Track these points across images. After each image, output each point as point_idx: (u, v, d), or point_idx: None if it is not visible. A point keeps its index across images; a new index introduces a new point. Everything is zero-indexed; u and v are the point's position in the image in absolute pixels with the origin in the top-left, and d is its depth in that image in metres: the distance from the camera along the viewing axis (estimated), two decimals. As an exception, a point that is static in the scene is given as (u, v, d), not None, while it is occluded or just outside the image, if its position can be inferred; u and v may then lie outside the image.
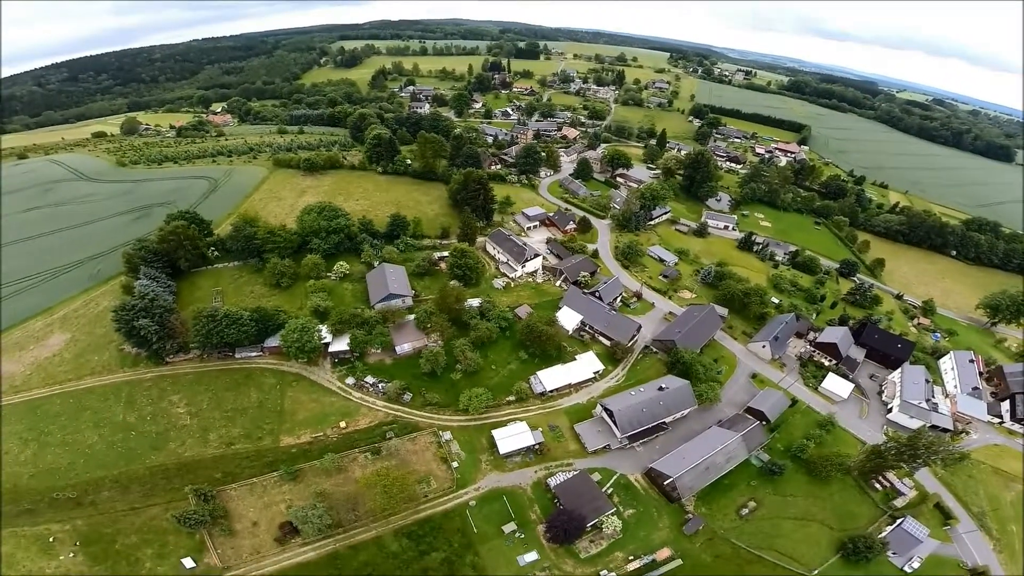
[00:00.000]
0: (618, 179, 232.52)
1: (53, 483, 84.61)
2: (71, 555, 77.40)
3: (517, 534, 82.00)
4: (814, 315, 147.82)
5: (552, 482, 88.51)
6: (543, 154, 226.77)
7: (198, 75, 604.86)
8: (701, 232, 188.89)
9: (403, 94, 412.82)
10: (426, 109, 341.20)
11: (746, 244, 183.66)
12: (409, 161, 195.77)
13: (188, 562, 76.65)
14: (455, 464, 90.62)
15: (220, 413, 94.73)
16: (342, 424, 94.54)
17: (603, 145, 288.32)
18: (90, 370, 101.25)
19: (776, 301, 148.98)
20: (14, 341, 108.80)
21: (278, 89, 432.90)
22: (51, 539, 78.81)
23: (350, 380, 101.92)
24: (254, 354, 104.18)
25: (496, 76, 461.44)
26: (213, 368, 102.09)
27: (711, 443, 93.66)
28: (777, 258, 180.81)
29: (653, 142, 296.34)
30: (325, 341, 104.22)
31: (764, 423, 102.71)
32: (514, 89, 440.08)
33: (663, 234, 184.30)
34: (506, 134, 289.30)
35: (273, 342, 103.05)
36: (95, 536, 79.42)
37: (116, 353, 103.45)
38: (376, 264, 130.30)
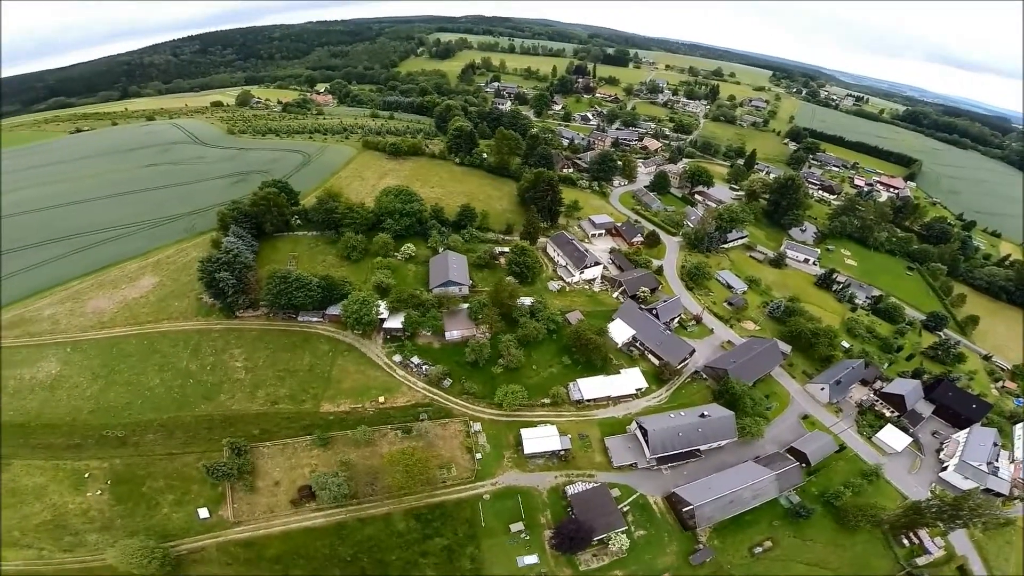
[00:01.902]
0: (696, 196, 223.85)
1: (107, 420, 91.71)
2: (98, 492, 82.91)
3: (523, 535, 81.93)
4: (886, 364, 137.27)
5: (570, 490, 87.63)
6: (619, 162, 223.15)
7: (308, 56, 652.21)
8: (777, 262, 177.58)
9: (488, 89, 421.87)
10: (507, 106, 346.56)
11: (825, 282, 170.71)
12: (485, 155, 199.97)
13: (203, 512, 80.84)
14: (478, 455, 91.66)
15: (273, 372, 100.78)
16: (381, 399, 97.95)
17: (685, 160, 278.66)
18: (168, 314, 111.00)
19: (847, 345, 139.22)
20: (110, 279, 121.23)
21: (376, 75, 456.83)
22: (87, 475, 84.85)
23: (397, 358, 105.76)
24: (315, 319, 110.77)
25: (580, 80, 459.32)
26: (276, 328, 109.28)
27: (742, 477, 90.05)
28: (857, 301, 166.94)
29: (740, 162, 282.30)
30: (381, 316, 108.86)
31: (804, 465, 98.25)
32: (597, 94, 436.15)
33: (735, 259, 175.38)
34: (583, 139, 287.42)
35: (334, 311, 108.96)
36: (127, 476, 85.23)
37: (195, 302, 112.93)
38: (440, 250, 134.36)
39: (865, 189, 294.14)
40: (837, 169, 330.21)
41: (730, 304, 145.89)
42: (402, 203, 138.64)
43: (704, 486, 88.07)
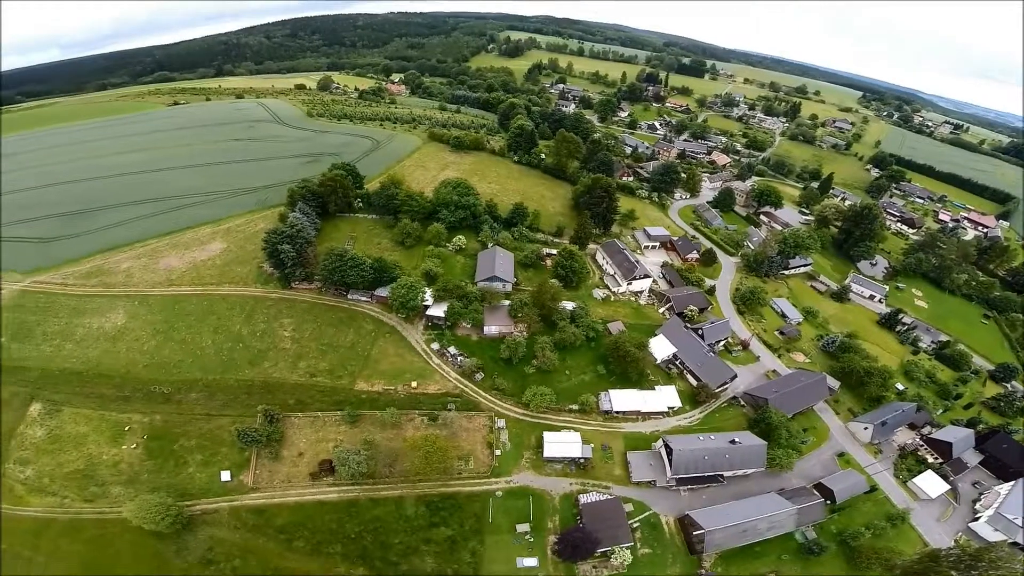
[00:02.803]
0: (762, 217, 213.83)
1: (158, 376, 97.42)
2: (133, 446, 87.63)
3: (527, 536, 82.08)
4: (940, 411, 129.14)
5: (582, 499, 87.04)
6: (683, 175, 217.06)
7: (387, 46, 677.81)
8: (840, 296, 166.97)
9: (553, 90, 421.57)
10: (571, 109, 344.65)
11: (889, 321, 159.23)
12: (544, 156, 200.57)
13: (225, 475, 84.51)
14: (498, 452, 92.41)
15: (317, 344, 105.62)
16: (413, 384, 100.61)
17: (754, 178, 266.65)
18: (230, 279, 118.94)
19: (901, 388, 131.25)
20: (184, 241, 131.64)
21: (448, 68, 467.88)
22: (127, 428, 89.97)
23: (435, 345, 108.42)
24: (364, 299, 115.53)
25: (650, 88, 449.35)
26: (326, 302, 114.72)
27: (761, 508, 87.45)
28: (921, 344, 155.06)
29: (814, 185, 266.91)
30: (426, 303, 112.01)
31: (828, 502, 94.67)
32: (667, 104, 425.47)
33: (794, 288, 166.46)
34: (647, 148, 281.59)
35: (383, 292, 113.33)
36: (163, 433, 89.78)
37: (256, 269, 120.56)
38: (490, 245, 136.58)
39: (950, 225, 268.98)
40: (921, 201, 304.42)
41: (782, 333, 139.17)
42: (459, 196, 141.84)
43: (720, 512, 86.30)
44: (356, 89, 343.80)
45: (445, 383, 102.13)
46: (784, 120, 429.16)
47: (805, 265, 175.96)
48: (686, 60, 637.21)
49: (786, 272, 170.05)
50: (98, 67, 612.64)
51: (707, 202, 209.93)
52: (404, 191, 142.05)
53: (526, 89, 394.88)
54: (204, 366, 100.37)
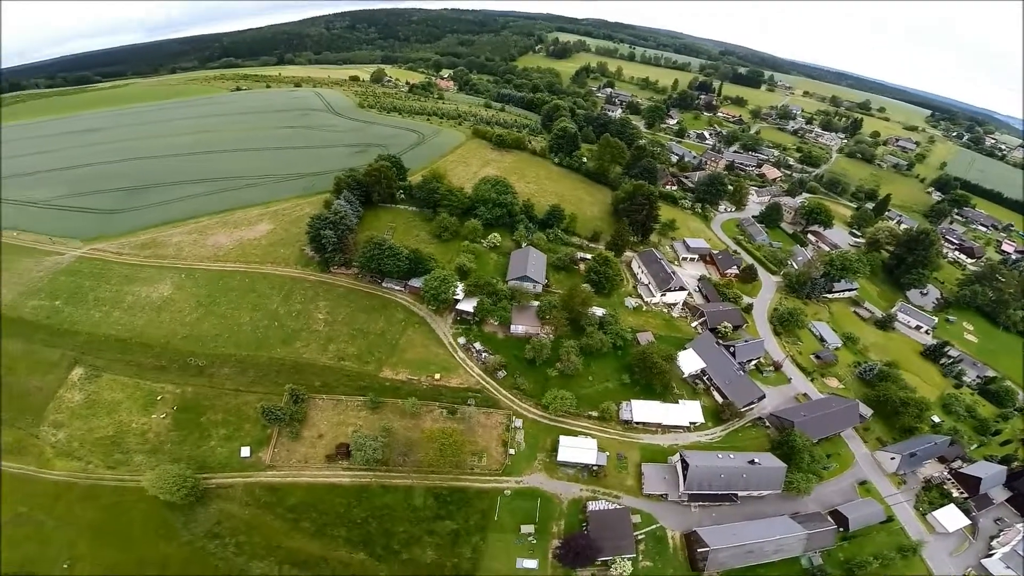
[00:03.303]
0: (809, 236, 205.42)
1: (195, 348, 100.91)
2: (163, 416, 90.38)
3: (530, 538, 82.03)
4: (975, 446, 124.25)
5: (591, 506, 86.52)
6: (729, 187, 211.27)
7: (439, 41, 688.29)
8: (884, 324, 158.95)
9: (599, 94, 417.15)
10: (617, 113, 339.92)
11: (934, 353, 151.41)
12: (585, 159, 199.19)
13: (245, 451, 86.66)
14: (512, 451, 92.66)
15: (348, 329, 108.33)
16: (437, 376, 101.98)
17: (805, 195, 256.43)
18: (273, 259, 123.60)
19: (937, 420, 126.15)
20: (233, 220, 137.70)
21: (495, 67, 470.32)
22: (159, 398, 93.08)
23: (461, 340, 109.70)
24: (397, 288, 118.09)
25: (702, 96, 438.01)
26: (361, 289, 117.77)
27: (770, 530, 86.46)
28: (965, 378, 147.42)
29: (869, 206, 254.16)
30: (456, 297, 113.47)
31: (840, 529, 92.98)
32: (719, 113, 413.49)
33: (836, 312, 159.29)
34: (694, 157, 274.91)
35: (416, 283, 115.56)
36: (192, 405, 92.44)
37: (298, 252, 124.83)
38: (523, 245, 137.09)
39: (1013, 256, 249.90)
40: (984, 229, 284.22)
41: (818, 358, 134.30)
42: (497, 194, 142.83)
43: (728, 531, 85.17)
44: (407, 83, 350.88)
45: (467, 378, 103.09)
46: (843, 136, 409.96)
47: (850, 290, 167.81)
48: (742, 70, 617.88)
49: (829, 296, 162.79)
50: (172, 51, 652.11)
51: (753, 217, 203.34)
52: (445, 186, 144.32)
53: (572, 91, 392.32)
54: (239, 342, 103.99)
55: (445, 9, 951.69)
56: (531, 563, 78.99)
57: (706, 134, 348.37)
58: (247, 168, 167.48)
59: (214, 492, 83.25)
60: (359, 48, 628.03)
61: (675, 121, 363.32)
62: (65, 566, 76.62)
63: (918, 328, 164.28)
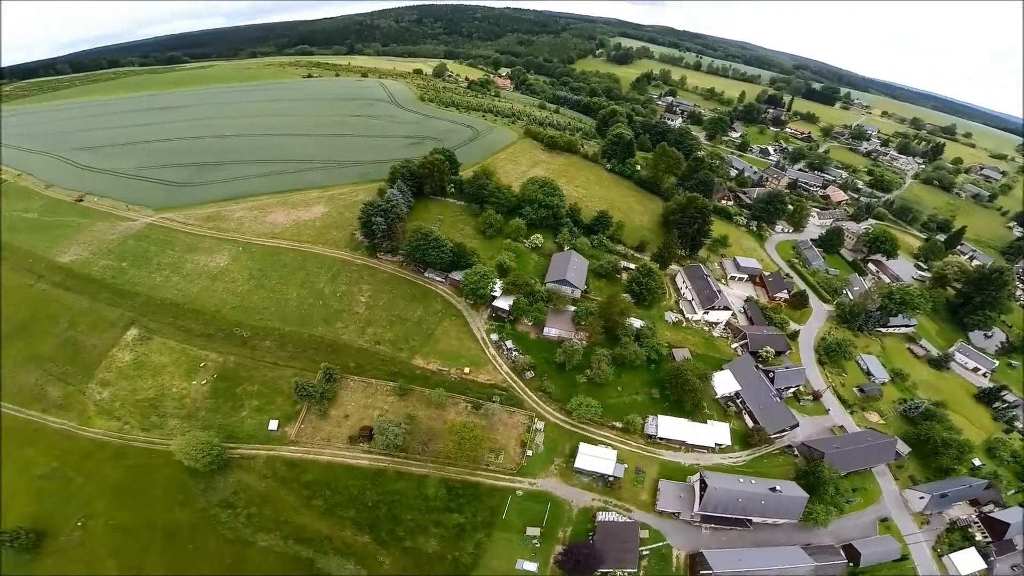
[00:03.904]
0: (870, 265, 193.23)
1: (242, 319, 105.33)
2: (203, 383, 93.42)
3: (535, 541, 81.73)
4: (1012, 491, 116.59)
5: (600, 516, 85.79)
6: (789, 206, 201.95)
7: (499, 40, 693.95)
8: (939, 363, 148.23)
9: (660, 102, 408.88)
10: (677, 123, 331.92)
11: (988, 397, 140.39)
12: (639, 167, 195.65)
13: (273, 424, 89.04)
14: (529, 452, 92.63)
15: (387, 315, 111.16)
16: (466, 370, 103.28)
17: (871, 221, 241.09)
18: (324, 240, 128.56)
19: (977, 463, 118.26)
20: (292, 201, 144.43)
21: (553, 68, 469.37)
22: (202, 364, 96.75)
23: (494, 336, 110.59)
24: (438, 279, 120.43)
25: (770, 110, 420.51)
26: (403, 276, 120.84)
27: (777, 559, 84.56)
28: (1017, 423, 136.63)
29: (940, 237, 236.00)
30: (494, 294, 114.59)
31: (851, 564, 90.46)
32: (786, 129, 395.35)
33: (888, 347, 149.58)
34: (755, 173, 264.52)
35: (457, 276, 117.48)
36: (231, 375, 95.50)
37: (348, 236, 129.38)
38: (566, 248, 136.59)
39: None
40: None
41: (861, 391, 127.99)
42: (544, 195, 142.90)
43: (734, 556, 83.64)
44: (466, 79, 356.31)
45: (495, 375, 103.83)
46: (920, 161, 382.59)
47: (907, 326, 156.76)
48: (817, 85, 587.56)
49: (883, 329, 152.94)
50: (252, 36, 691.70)
51: (811, 240, 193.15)
52: (494, 183, 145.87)
53: (631, 98, 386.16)
54: (284, 316, 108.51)
55: (507, 8, 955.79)
56: (531, 566, 78.93)
57: (770, 150, 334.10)
58: (311, 152, 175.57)
59: (236, 462, 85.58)
60: (424, 42, 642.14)
61: (738, 134, 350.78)
62: (79, 524, 79.59)
63: (975, 370, 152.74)
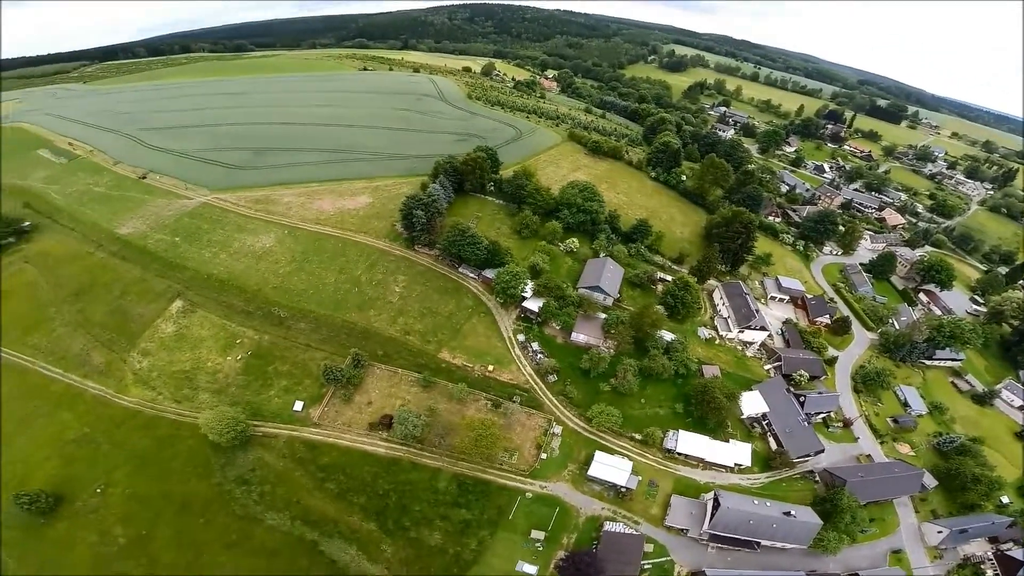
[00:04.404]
0: (921, 295, 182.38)
1: (280, 300, 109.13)
2: (237, 358, 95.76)
3: (537, 544, 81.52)
4: None
5: (607, 526, 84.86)
6: (840, 227, 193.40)
7: (548, 41, 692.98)
8: (983, 399, 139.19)
9: (712, 112, 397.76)
10: (729, 134, 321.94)
11: None
12: (684, 177, 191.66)
13: (298, 405, 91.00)
14: (544, 456, 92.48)
15: (418, 306, 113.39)
16: (490, 368, 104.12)
17: (927, 248, 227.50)
18: (366, 230, 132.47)
19: (1005, 501, 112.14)
20: (339, 190, 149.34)
21: (601, 72, 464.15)
22: (238, 341, 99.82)
23: (521, 337, 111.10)
24: (471, 275, 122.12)
25: (829, 126, 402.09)
26: (438, 270, 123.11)
27: None
28: None
29: (1002, 270, 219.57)
30: (524, 295, 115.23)
31: None
32: (845, 146, 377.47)
33: (931, 379, 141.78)
34: (807, 190, 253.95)
35: (489, 274, 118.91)
36: (264, 352, 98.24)
37: (389, 226, 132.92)
38: (601, 255, 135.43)
39: None
40: None
41: (895, 421, 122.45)
42: (584, 199, 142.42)
43: None
44: (513, 79, 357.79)
45: (518, 375, 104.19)
46: (989, 187, 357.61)
47: (954, 360, 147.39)
48: (882, 102, 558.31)
49: (927, 361, 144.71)
50: (314, 27, 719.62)
51: (860, 264, 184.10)
52: (533, 184, 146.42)
53: (681, 106, 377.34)
54: (321, 300, 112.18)
55: (557, 10, 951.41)
56: (531, 568, 78.88)
57: (826, 167, 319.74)
58: (360, 143, 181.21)
59: (258, 440, 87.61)
60: (474, 40, 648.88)
61: (793, 149, 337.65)
62: (98, 491, 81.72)
63: (1022, 408, 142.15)
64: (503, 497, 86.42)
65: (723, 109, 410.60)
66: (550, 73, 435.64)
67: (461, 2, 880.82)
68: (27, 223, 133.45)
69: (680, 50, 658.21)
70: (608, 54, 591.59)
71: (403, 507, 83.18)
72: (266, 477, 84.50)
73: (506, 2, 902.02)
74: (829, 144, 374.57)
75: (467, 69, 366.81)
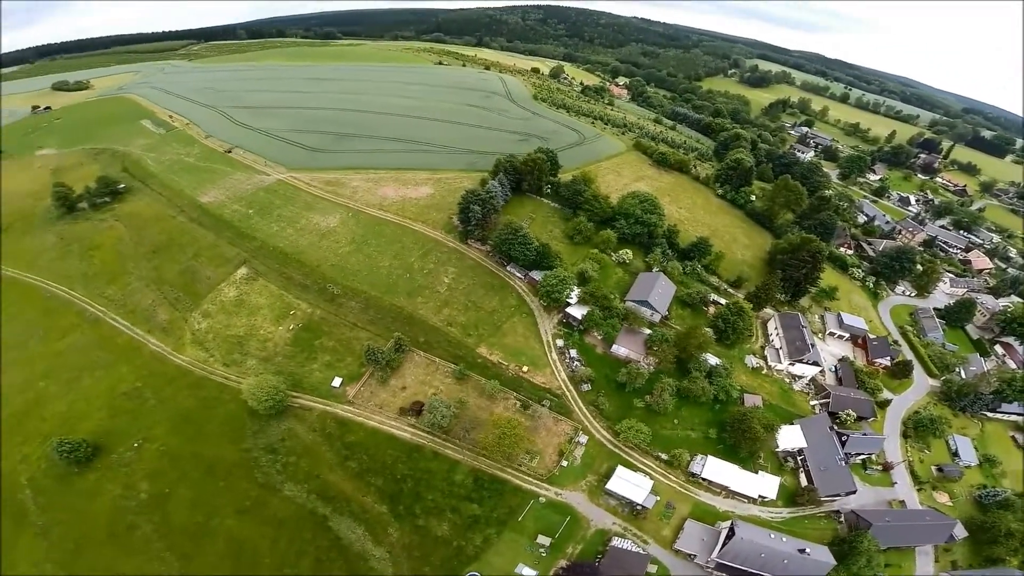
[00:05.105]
0: (997, 347, 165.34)
1: (336, 277, 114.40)
2: (289, 329, 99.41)
3: (542, 550, 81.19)
4: None
5: (614, 541, 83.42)
6: (918, 266, 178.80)
7: (621, 48, 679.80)
8: None
9: (792, 131, 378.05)
10: (808, 156, 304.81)
11: None
12: (754, 198, 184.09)
13: (336, 381, 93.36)
14: (564, 463, 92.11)
15: (464, 299, 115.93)
16: (524, 368, 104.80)
17: (1015, 298, 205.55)
18: (424, 219, 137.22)
19: None
20: (403, 178, 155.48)
21: (676, 83, 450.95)
22: (292, 312, 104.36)
23: (560, 342, 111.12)
24: (518, 275, 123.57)
25: (922, 155, 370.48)
26: (486, 266, 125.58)
27: None
28: None
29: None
30: (569, 300, 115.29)
31: None
32: (938, 179, 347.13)
33: (990, 432, 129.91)
34: (887, 222, 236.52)
35: (536, 275, 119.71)
36: (313, 326, 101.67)
37: (446, 218, 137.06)
38: (654, 270, 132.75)
39: None
40: None
41: (940, 470, 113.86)
42: (643, 211, 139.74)
43: None
44: (580, 83, 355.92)
45: (552, 380, 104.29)
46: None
47: (1019, 414, 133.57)
48: (987, 134, 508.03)
49: (989, 414, 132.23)
50: (397, 19, 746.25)
51: (934, 308, 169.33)
52: (591, 191, 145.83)
53: (759, 123, 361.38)
54: (373, 282, 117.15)
55: (634, 17, 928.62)
56: (531, 572, 78.94)
57: (912, 199, 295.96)
58: (428, 135, 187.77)
59: (293, 411, 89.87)
60: (545, 42, 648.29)
61: (877, 177, 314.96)
62: (136, 445, 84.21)
63: None
64: (516, 498, 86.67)
65: (805, 129, 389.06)
66: (620, 80, 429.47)
67: (536, 3, 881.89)
68: (122, 185, 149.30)
69: (764, 65, 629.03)
70: (685, 65, 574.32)
71: (417, 494, 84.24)
72: (293, 448, 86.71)
73: (580, 5, 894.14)
74: (919, 175, 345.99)
75: (535, 70, 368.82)
